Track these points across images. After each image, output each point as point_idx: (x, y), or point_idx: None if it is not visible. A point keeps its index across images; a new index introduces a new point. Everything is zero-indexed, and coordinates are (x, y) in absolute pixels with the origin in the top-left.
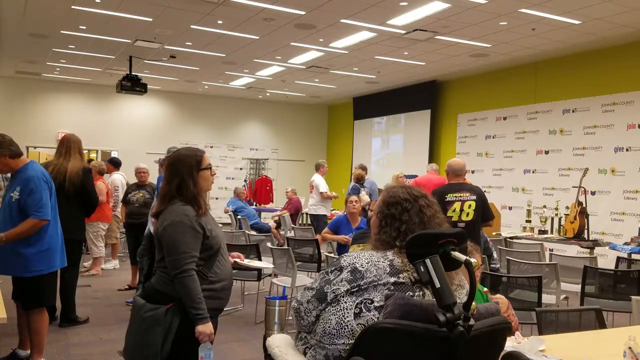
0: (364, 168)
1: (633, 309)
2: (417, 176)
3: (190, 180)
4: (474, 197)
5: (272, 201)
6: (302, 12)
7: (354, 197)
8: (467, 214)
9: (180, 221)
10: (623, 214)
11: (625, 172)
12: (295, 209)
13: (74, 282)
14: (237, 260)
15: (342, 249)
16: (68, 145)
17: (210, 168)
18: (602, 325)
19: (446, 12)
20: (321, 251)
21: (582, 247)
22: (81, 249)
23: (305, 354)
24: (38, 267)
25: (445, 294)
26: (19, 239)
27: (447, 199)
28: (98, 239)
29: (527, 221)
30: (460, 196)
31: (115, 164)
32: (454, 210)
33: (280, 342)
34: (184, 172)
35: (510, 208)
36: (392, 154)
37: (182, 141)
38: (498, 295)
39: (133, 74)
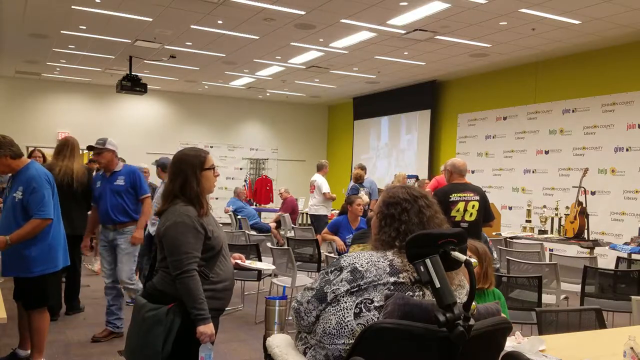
0: (363, 168)
1: (633, 309)
2: (417, 176)
3: (193, 180)
4: (477, 198)
5: (272, 201)
6: (302, 12)
7: (360, 200)
8: (471, 214)
9: (182, 222)
10: (623, 214)
11: (625, 172)
12: (290, 209)
13: (79, 272)
14: (239, 261)
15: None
16: (72, 148)
17: (214, 169)
18: (602, 325)
19: (446, 12)
20: (321, 251)
21: (582, 247)
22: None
23: (305, 354)
24: (41, 267)
25: (445, 294)
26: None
27: (452, 199)
28: None
29: (527, 221)
30: (464, 196)
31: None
32: (457, 210)
33: (280, 342)
34: (187, 171)
35: (510, 208)
36: (392, 154)
37: (182, 141)
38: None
39: (133, 74)
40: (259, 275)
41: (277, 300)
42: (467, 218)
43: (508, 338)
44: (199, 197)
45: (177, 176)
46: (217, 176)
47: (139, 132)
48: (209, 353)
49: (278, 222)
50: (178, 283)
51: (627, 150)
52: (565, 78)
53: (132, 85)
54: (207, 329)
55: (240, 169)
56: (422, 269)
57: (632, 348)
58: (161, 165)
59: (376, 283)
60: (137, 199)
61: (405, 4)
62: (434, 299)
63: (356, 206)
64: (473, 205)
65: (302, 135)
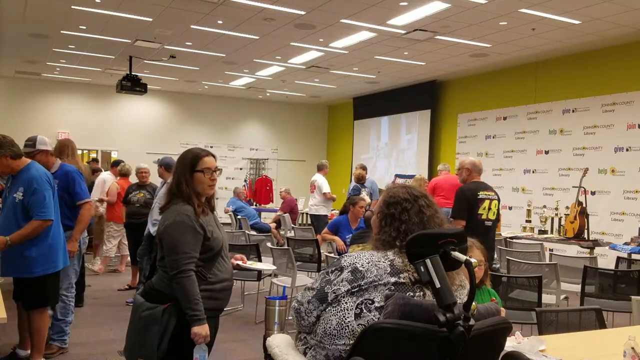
0: (364, 168)
1: (633, 309)
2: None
3: (183, 180)
4: (497, 198)
5: (272, 201)
6: (302, 12)
7: (363, 202)
8: (494, 213)
9: (181, 221)
10: (623, 214)
11: (625, 172)
12: (289, 208)
13: (83, 272)
14: (240, 262)
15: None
16: (72, 148)
17: (210, 172)
18: (602, 325)
19: (446, 12)
20: (321, 251)
21: (582, 247)
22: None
23: (305, 354)
24: (42, 267)
25: (446, 294)
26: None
27: (480, 196)
28: (110, 238)
29: (527, 221)
30: (489, 195)
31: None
32: (484, 208)
33: (280, 342)
34: (179, 170)
35: (510, 208)
36: (392, 154)
37: (182, 141)
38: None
39: (133, 74)
40: (259, 275)
41: (277, 300)
42: (490, 217)
43: (508, 338)
44: (191, 198)
45: (174, 175)
46: (213, 180)
47: (139, 132)
48: (203, 354)
49: (278, 222)
50: (174, 283)
51: (627, 150)
52: (565, 78)
53: (132, 85)
54: (201, 329)
55: (240, 169)
56: (422, 269)
57: (632, 348)
58: (164, 165)
59: (377, 283)
60: (75, 203)
61: (405, 4)
62: (434, 299)
63: (359, 208)
64: (495, 204)
65: (302, 135)
